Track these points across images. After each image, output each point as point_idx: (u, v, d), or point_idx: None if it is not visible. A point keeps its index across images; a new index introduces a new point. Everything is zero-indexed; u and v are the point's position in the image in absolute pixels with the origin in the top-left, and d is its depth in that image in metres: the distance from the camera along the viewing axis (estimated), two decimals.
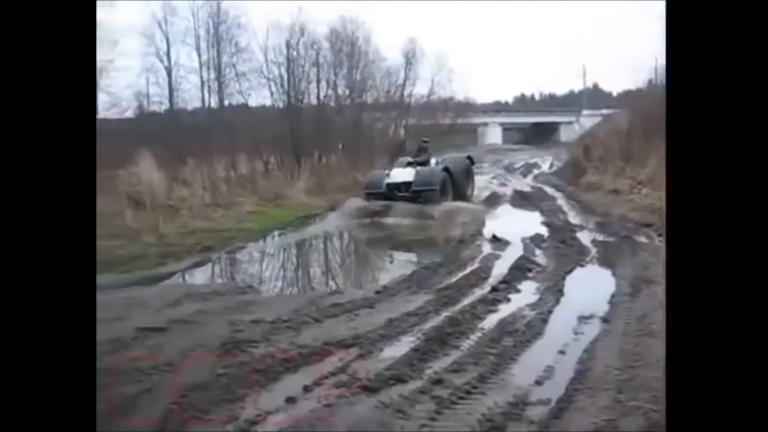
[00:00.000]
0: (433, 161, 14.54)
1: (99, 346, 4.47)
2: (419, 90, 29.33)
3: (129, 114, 23.28)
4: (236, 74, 22.75)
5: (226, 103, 23.64)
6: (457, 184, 14.39)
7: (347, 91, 25.37)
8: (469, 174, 15.84)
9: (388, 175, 13.88)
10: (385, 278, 7.58)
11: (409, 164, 14.29)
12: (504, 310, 5.71)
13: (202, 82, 23.42)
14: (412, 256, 9.52)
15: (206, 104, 23.55)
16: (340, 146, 20.34)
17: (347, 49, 25.21)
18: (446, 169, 14.04)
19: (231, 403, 3.73)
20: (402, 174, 13.73)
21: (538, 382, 3.99)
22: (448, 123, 31.43)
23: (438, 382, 3.97)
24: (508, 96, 78.25)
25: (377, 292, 6.48)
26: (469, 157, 16.43)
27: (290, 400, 3.76)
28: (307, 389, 3.90)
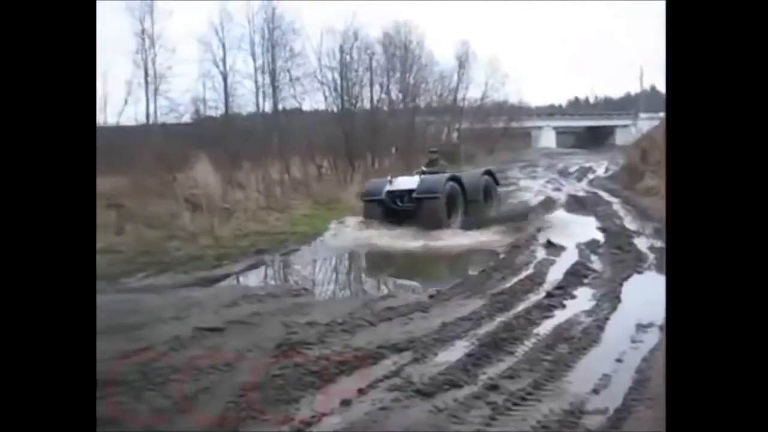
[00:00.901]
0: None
1: (159, 345, 4.67)
2: (472, 94, 29.33)
3: (186, 118, 23.90)
4: (290, 79, 23.06)
5: (280, 107, 23.98)
6: (471, 200, 12.27)
7: (400, 95, 25.45)
8: (489, 192, 13.24)
9: (390, 182, 12.05)
10: (439, 284, 7.54)
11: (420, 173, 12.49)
12: (559, 316, 5.63)
13: (257, 87, 23.81)
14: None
15: (261, 109, 23.94)
16: (393, 150, 20.34)
17: (400, 53, 25.31)
18: (456, 180, 12.04)
19: (286, 404, 3.77)
20: (405, 182, 12.00)
21: (595, 391, 3.92)
22: (501, 127, 31.23)
23: (493, 387, 3.94)
24: (562, 99, 77.04)
25: (431, 297, 6.47)
26: (490, 173, 13.85)
27: (345, 403, 3.78)
28: (361, 392, 3.92)
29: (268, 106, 23.68)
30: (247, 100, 23.71)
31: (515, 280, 7.23)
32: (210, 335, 5.04)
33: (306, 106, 23.65)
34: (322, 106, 23.04)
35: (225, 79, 23.09)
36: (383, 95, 24.39)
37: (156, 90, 23.21)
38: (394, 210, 11.74)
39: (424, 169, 12.66)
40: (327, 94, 22.40)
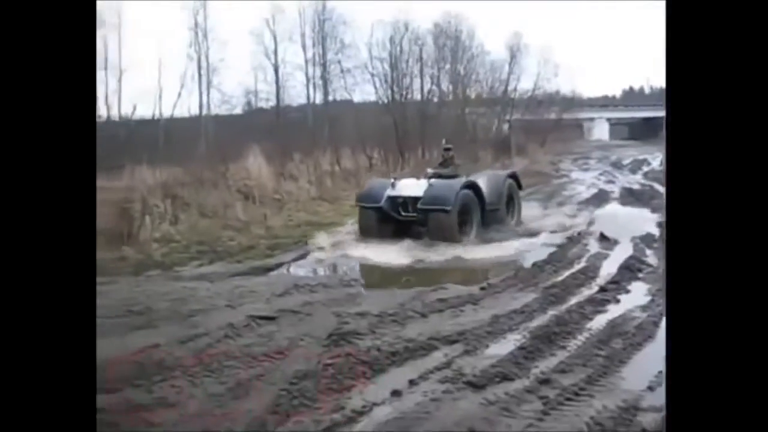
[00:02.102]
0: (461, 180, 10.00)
1: (214, 332, 4.77)
2: (524, 85, 28.88)
3: (238, 110, 24.28)
4: (341, 70, 23.22)
5: (330, 98, 24.16)
6: (490, 209, 10.12)
7: (450, 86, 25.31)
8: (511, 198, 11.11)
9: (392, 185, 9.82)
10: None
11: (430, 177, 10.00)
12: (613, 311, 5.53)
13: (308, 79, 24.05)
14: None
15: (311, 100, 24.16)
16: (443, 141, 20.28)
17: (451, 43, 25.15)
18: (471, 187, 9.80)
19: (338, 393, 3.81)
20: (411, 186, 9.75)
21: (650, 388, 3.84)
22: (553, 118, 30.77)
23: (545, 381, 3.90)
24: (616, 90, 75.26)
25: (482, 289, 6.44)
26: (514, 176, 11.66)
27: (396, 393, 3.80)
28: (412, 383, 3.94)
29: (318, 98, 23.92)
30: (298, 92, 24.02)
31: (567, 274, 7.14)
32: (263, 323, 5.12)
33: (356, 98, 23.78)
34: (372, 98, 23.11)
35: (276, 71, 23.41)
36: (433, 86, 24.31)
37: (209, 82, 23.66)
38: (395, 220, 9.69)
39: (429, 171, 10.33)
40: (377, 85, 22.45)
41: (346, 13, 23.12)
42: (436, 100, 24.14)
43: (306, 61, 23.72)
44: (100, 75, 23.83)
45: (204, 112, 23.60)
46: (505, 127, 27.53)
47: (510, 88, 28.34)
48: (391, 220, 9.69)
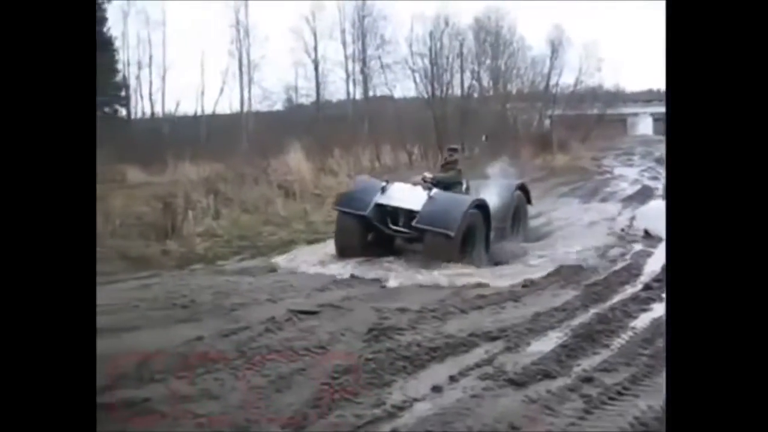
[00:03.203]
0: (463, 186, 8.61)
1: (255, 326, 4.82)
2: (566, 79, 28.48)
3: (279, 107, 24.54)
4: (381, 66, 23.26)
5: (370, 94, 24.21)
6: (496, 227, 8.40)
7: (491, 82, 25.13)
8: (518, 215, 9.43)
9: (383, 189, 7.93)
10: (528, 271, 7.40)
11: (428, 184, 8.10)
12: (657, 310, 5.43)
13: (348, 75, 24.17)
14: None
15: (351, 96, 24.26)
16: (484, 137, 20.10)
17: (491, 38, 24.99)
18: (480, 207, 7.95)
19: (378, 387, 3.81)
20: (406, 195, 7.89)
21: None
22: (596, 113, 30.29)
23: (587, 380, 3.85)
24: (660, 84, 73.66)
25: (524, 286, 6.38)
26: (523, 188, 9.76)
27: (436, 389, 3.79)
28: (453, 379, 3.92)
29: (358, 94, 24.01)
30: (337, 88, 24.17)
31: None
32: (304, 317, 5.15)
33: (396, 93, 23.81)
34: (412, 93, 23.11)
35: (316, 68, 23.60)
36: (474, 82, 24.21)
37: (250, 79, 23.95)
38: (382, 235, 7.97)
39: (427, 176, 8.42)
40: (417, 81, 22.43)
41: (385, 8, 23.20)
42: (476, 95, 24.01)
43: (346, 57, 23.91)
44: (144, 73, 24.36)
45: (245, 108, 23.90)
46: (547, 122, 27.22)
47: (551, 83, 28.02)
48: (375, 233, 7.99)
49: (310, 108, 24.42)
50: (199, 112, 24.05)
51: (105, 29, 22.17)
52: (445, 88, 22.57)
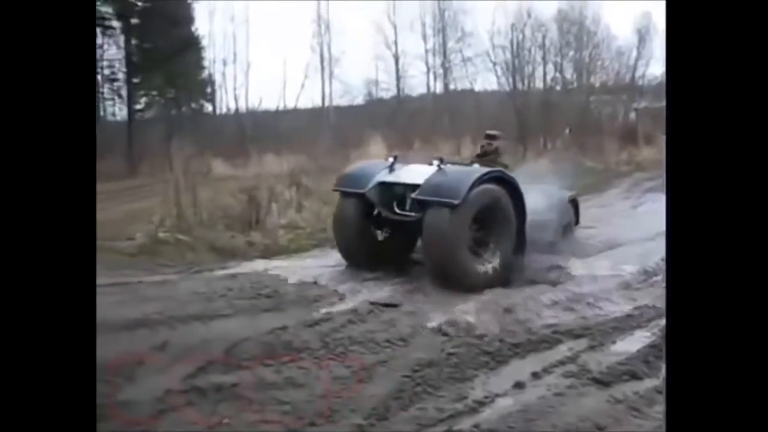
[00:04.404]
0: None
1: (337, 317, 4.88)
2: (652, 70, 27.42)
3: (359, 101, 24.77)
4: (462, 59, 23.11)
5: (450, 87, 24.11)
6: (536, 230, 6.51)
7: (574, 74, 24.56)
8: (566, 229, 7.63)
9: (391, 168, 6.52)
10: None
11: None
12: None
13: (428, 68, 24.11)
14: None
15: (431, 89, 24.22)
16: (567, 131, 19.69)
17: (575, 29, 24.38)
18: (500, 181, 6.15)
19: (460, 382, 3.81)
20: (413, 173, 6.39)
21: None
22: None
23: None
24: None
25: None
26: (573, 202, 7.95)
27: (518, 386, 3.76)
28: (535, 376, 3.87)
29: (438, 87, 23.94)
30: (418, 82, 24.18)
31: None
32: (385, 310, 5.19)
33: (477, 87, 23.63)
34: (493, 86, 22.88)
35: (396, 61, 23.65)
36: (557, 74, 23.71)
37: (331, 73, 24.26)
38: (383, 222, 6.47)
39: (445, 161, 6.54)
40: (499, 73, 22.16)
41: (466, 2, 22.96)
42: (559, 88, 23.52)
43: (426, 51, 23.83)
44: (228, 69, 25.03)
45: (326, 102, 24.24)
46: (632, 115, 26.36)
47: (637, 74, 27.06)
48: (376, 218, 6.50)
49: (390, 102, 24.52)
50: (281, 107, 24.56)
51: (193, 28, 22.90)
52: (527, 81, 22.26)
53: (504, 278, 5.99)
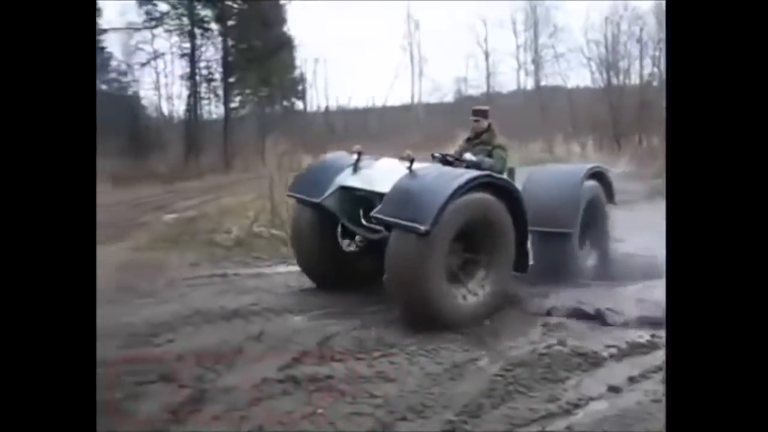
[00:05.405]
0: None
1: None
2: None
3: (449, 98, 24.73)
4: (554, 55, 22.66)
5: (542, 84, 23.71)
6: (542, 236, 5.50)
7: None
8: (592, 215, 6.11)
9: (355, 167, 5.42)
10: None
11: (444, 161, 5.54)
12: None
13: (519, 65, 23.78)
14: None
15: (521, 86, 23.88)
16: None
17: None
18: (493, 188, 4.81)
19: (552, 383, 3.75)
20: (382, 174, 5.19)
21: None
22: None
23: None
24: None
25: None
26: (598, 175, 6.25)
27: (614, 389, 3.66)
28: (632, 380, 3.76)
29: (529, 84, 23.57)
30: (508, 78, 23.92)
31: None
32: None
33: (570, 83, 23.13)
34: (586, 82, 22.34)
35: (487, 58, 23.42)
36: (654, 69, 22.81)
37: (420, 72, 24.32)
38: (350, 234, 5.49)
39: (437, 155, 5.67)
40: (593, 69, 21.60)
41: None
42: (656, 84, 22.67)
43: (517, 47, 23.50)
44: (319, 68, 25.49)
45: (415, 100, 24.33)
46: None
47: None
48: (346, 229, 5.47)
49: (479, 99, 24.35)
50: (370, 105, 24.84)
51: (285, 29, 23.46)
52: (622, 77, 21.57)
53: (495, 307, 4.90)
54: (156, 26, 20.20)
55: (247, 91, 22.49)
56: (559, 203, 5.69)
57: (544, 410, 3.39)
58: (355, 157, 5.47)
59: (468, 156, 5.49)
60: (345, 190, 5.27)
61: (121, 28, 19.59)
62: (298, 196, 5.58)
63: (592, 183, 6.10)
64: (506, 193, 4.90)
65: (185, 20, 20.34)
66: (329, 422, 3.23)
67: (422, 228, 4.33)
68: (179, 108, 21.54)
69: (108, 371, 3.83)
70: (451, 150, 6.05)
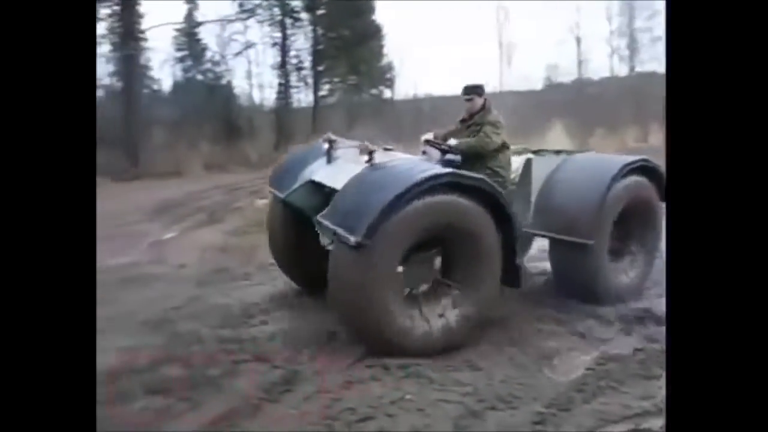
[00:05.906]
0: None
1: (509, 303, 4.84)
2: None
3: (538, 86, 24.24)
4: (651, 39, 21.80)
5: (637, 70, 22.87)
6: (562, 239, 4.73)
7: None
8: (641, 223, 5.18)
9: (328, 154, 4.72)
10: None
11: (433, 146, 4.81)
12: None
13: (612, 50, 23.01)
14: None
15: (614, 72, 23.11)
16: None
17: None
18: (459, 187, 3.89)
19: (646, 380, 3.65)
20: (349, 168, 4.25)
21: None
22: None
23: None
24: None
25: None
26: (643, 168, 5.05)
27: None
28: None
29: (623, 70, 22.79)
30: (599, 65, 23.19)
31: None
32: None
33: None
34: None
35: (578, 45, 22.79)
36: None
37: (509, 59, 23.94)
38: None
39: (427, 137, 4.93)
40: None
41: None
42: None
43: (611, 32, 22.73)
44: (408, 56, 25.50)
45: (503, 88, 23.98)
46: None
47: None
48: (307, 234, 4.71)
49: (570, 87, 23.72)
50: (458, 93, 24.70)
51: (374, 17, 23.55)
52: None
53: (461, 336, 4.03)
54: (248, 17, 20.70)
55: (336, 79, 22.74)
56: (578, 207, 4.68)
57: (637, 407, 3.32)
58: (326, 139, 4.79)
59: (452, 141, 4.74)
60: (312, 185, 4.58)
61: (216, 21, 20.17)
62: (271, 189, 5.09)
63: (636, 180, 5.00)
64: (486, 196, 4.00)
65: (276, 11, 20.76)
66: (417, 408, 3.27)
67: (352, 239, 3.61)
68: (270, 96, 22.00)
69: (205, 349, 4.02)
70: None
